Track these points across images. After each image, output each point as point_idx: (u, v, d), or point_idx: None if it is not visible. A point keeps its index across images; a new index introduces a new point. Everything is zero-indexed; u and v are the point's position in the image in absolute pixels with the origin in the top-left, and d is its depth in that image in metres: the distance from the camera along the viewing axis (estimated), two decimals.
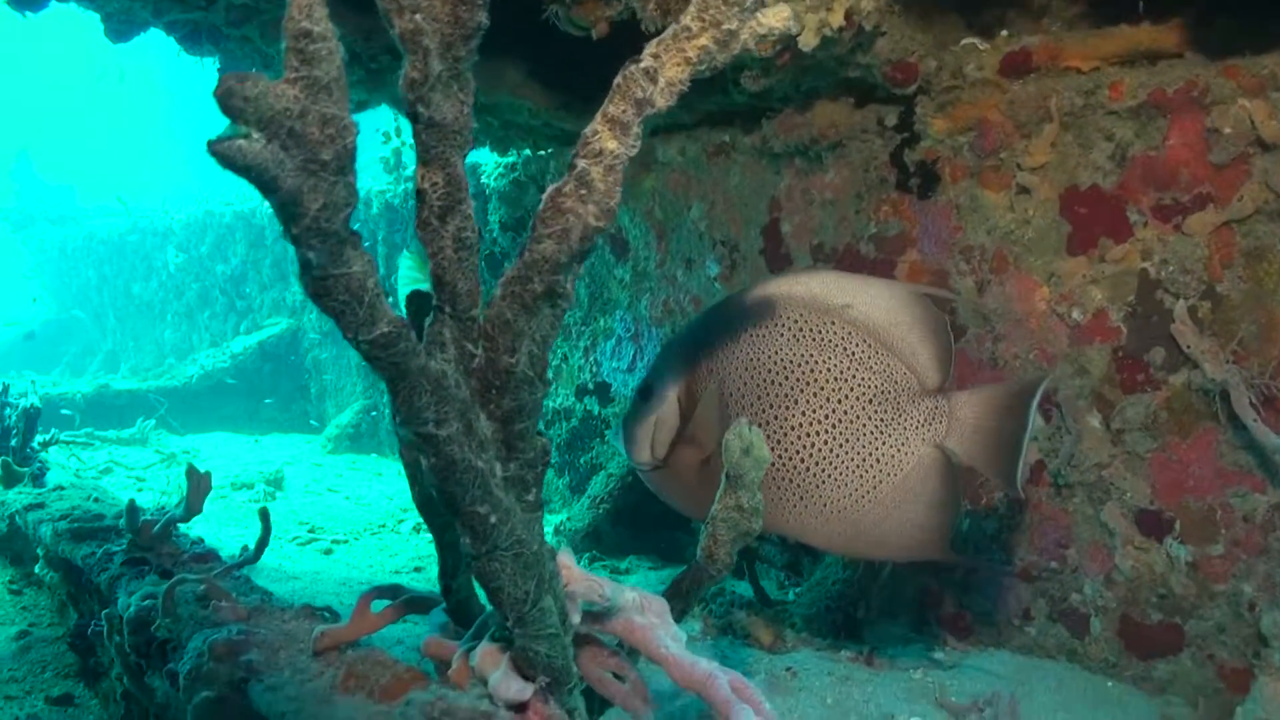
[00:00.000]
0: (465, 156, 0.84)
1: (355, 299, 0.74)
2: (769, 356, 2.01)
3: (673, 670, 1.02)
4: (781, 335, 2.01)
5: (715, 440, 2.01)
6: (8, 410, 3.90)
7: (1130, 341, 2.41)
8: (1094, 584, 2.48)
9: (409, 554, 4.29)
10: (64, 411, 7.21)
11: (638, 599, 1.06)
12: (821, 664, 2.40)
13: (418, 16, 0.76)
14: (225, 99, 0.64)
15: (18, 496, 3.11)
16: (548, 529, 4.48)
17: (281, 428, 8.35)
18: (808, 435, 1.99)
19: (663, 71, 0.89)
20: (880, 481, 1.99)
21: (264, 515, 1.59)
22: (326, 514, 5.09)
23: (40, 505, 2.88)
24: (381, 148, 7.04)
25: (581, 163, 0.87)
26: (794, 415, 2.00)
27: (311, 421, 8.33)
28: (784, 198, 3.04)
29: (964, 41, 2.55)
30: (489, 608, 1.18)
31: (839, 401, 1.99)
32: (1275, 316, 2.25)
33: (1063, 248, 2.49)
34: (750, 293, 2.07)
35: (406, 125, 5.60)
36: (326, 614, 1.48)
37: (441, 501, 0.85)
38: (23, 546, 3.29)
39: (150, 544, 1.85)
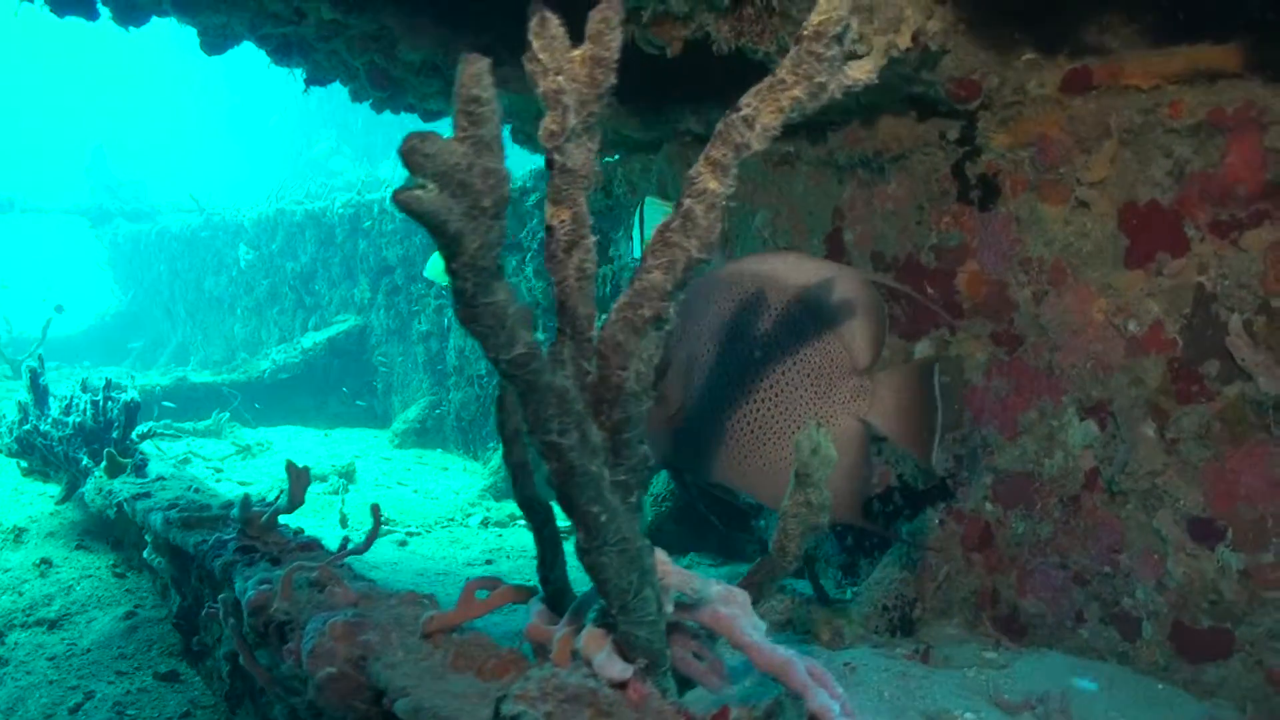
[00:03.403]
0: (589, 196, 0.96)
1: (499, 324, 0.86)
2: (731, 326, 2.17)
3: (754, 655, 1.13)
4: (743, 308, 2.17)
5: (678, 400, 2.22)
6: (109, 404, 4.13)
7: (1186, 353, 2.47)
8: (1146, 589, 2.55)
9: (479, 547, 4.43)
10: (166, 404, 7.48)
11: (723, 591, 1.17)
12: (878, 660, 2.50)
13: (560, 78, 0.89)
14: (408, 155, 0.76)
15: (123, 486, 3.29)
16: None
17: (348, 422, 8.59)
18: (755, 400, 2.15)
19: (759, 118, 1.00)
20: None
21: (375, 511, 1.73)
22: (398, 507, 5.27)
23: (147, 495, 3.06)
24: None
25: (687, 201, 0.98)
26: (745, 380, 2.16)
27: (377, 416, 8.56)
28: (847, 207, 3.11)
29: (1026, 57, 2.61)
30: (578, 597, 1.30)
31: (783, 372, 2.15)
32: None
33: (1120, 261, 2.56)
34: (724, 268, 2.24)
35: None
36: (427, 601, 1.61)
37: (560, 501, 0.97)
38: (123, 532, 3.47)
39: (258, 533, 2.00)
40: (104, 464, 3.68)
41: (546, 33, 0.87)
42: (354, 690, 1.33)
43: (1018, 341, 2.73)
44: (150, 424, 5.14)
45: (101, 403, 4.23)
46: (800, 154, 3.22)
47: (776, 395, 2.13)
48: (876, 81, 1.02)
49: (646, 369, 1.01)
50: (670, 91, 3.37)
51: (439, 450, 7.48)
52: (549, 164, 0.93)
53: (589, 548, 0.99)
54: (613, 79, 0.90)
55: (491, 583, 1.43)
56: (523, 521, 5.19)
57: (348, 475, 5.82)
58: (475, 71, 0.78)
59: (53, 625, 3.11)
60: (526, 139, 4.07)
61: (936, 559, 2.87)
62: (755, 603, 1.43)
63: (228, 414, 7.82)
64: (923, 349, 2.94)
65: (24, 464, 5.17)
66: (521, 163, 6.48)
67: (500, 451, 6.35)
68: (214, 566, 2.00)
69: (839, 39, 0.97)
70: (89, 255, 16.69)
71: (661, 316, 0.99)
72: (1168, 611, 2.52)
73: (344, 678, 1.34)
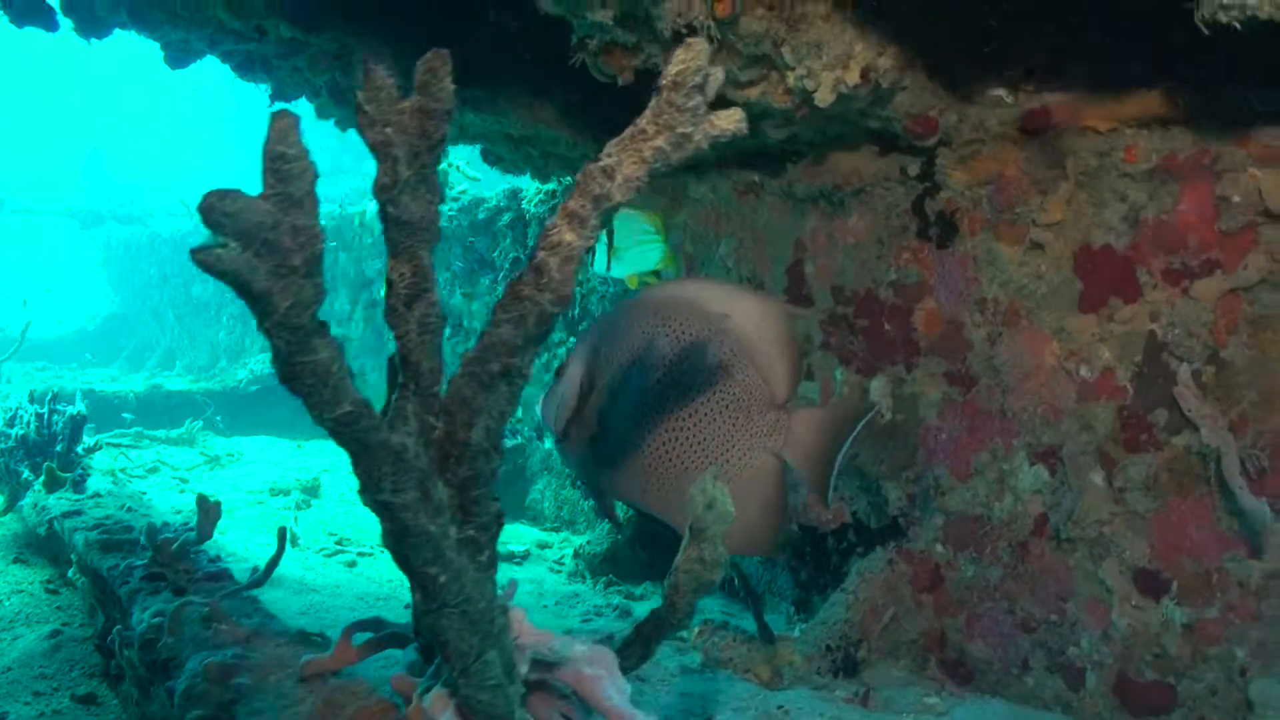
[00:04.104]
0: (433, 249, 0.93)
1: (321, 382, 0.83)
2: (651, 352, 2.14)
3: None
4: (664, 334, 2.13)
5: (598, 423, 2.18)
6: (55, 418, 4.10)
7: (1136, 401, 2.44)
8: (1091, 639, 2.51)
9: None
10: (125, 415, 7.44)
11: (587, 652, 1.13)
12: (815, 703, 2.45)
13: (388, 129, 0.85)
14: (206, 214, 0.73)
15: (58, 502, 3.26)
16: (568, 550, 4.56)
17: (323, 433, 8.51)
18: (671, 428, 2.12)
19: (620, 169, 0.96)
20: (724, 480, 2.11)
21: (280, 535, 1.69)
22: (357, 525, 5.20)
23: (78, 512, 3.02)
24: None
25: (541, 254, 0.95)
26: (663, 408, 2.12)
27: None
28: (809, 239, 3.09)
29: (985, 95, 2.58)
30: None
31: (702, 402, 2.11)
32: (1278, 385, 2.27)
33: (1074, 305, 2.52)
34: (649, 292, 2.20)
35: (452, 147, 5.66)
36: (319, 639, 1.57)
37: (396, 561, 0.93)
38: (60, 548, 3.43)
39: (169, 561, 1.96)
40: (43, 478, 3.65)
41: (372, 84, 0.84)
42: None
43: (972, 382, 2.70)
44: (99, 436, 5.10)
45: (46, 415, 4.20)
46: (764, 183, 3.19)
47: (695, 424, 2.10)
48: (746, 132, 0.99)
49: (496, 425, 0.97)
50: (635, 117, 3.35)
51: None
52: (383, 218, 0.89)
53: (427, 609, 0.96)
54: (445, 129, 0.87)
55: (375, 624, 1.40)
56: None
57: (311, 491, 5.74)
58: (282, 128, 0.75)
59: None
60: (496, 160, 4.05)
61: (884, 599, 2.83)
62: (643, 657, 1.39)
63: (200, 422, 7.78)
64: (878, 386, 2.91)
65: None
66: (494, 183, 6.49)
67: None
68: (120, 593, 1.96)
69: (700, 88, 0.94)
70: (78, 257, 16.71)
71: (512, 371, 0.96)
72: (1112, 662, 2.48)
73: None
